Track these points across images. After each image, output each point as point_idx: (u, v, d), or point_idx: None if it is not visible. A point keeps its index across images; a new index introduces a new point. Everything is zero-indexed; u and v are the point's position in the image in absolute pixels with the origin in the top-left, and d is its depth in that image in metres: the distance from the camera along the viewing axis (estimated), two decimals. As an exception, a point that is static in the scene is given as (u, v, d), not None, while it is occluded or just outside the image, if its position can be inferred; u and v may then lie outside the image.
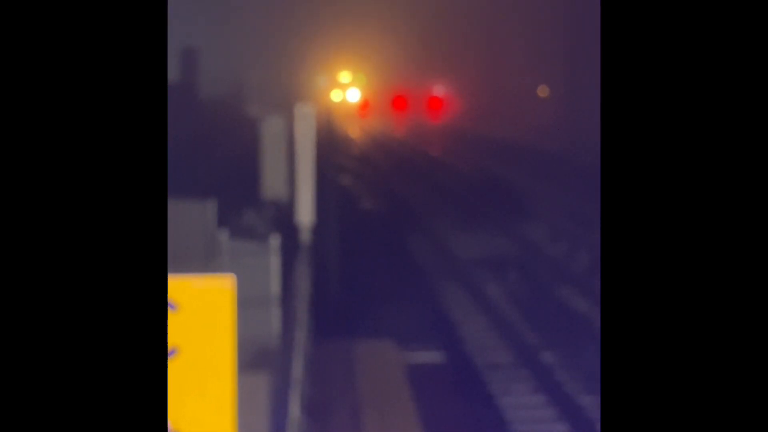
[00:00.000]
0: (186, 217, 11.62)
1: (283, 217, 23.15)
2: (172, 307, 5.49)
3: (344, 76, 75.17)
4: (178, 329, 5.52)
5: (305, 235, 14.13)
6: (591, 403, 13.16)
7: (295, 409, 8.68)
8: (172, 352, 5.51)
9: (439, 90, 76.95)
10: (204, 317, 5.55)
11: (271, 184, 27.21)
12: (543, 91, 62.90)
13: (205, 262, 11.37)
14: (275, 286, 11.83)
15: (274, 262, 11.87)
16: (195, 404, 5.54)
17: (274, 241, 11.97)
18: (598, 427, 11.85)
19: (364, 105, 79.83)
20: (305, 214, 14.24)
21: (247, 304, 9.98)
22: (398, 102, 78.08)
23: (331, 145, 36.77)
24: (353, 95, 73.11)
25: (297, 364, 9.55)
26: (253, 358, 10.04)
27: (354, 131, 67.12)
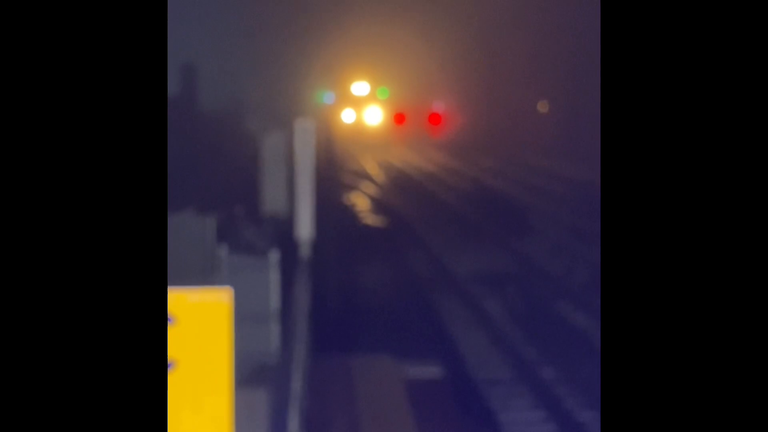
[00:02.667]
0: (185, 231, 11.64)
1: (282, 232, 23.17)
2: (169, 320, 5.50)
3: (360, 88, 68.23)
4: (175, 342, 5.52)
5: (304, 251, 14.13)
6: (591, 419, 13.16)
7: (293, 425, 8.67)
8: (170, 365, 5.51)
9: (438, 106, 76.76)
10: (201, 330, 5.55)
11: (271, 199, 27.24)
12: (543, 106, 62.80)
13: (204, 277, 11.38)
14: (274, 301, 11.83)
15: (274, 278, 11.87)
16: (192, 418, 5.55)
17: (274, 256, 11.98)
18: None
19: (399, 118, 72.35)
20: (305, 229, 14.25)
21: (246, 319, 9.98)
22: (397, 118, 77.85)
23: (330, 160, 36.73)
24: (372, 115, 65.81)
25: (296, 380, 9.54)
26: (252, 373, 10.04)
27: (364, 147, 64.97)
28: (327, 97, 57.25)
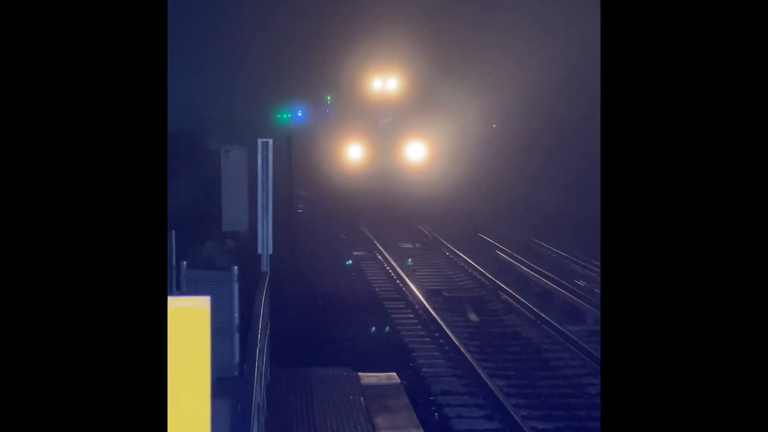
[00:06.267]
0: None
1: (242, 247, 23.35)
2: None
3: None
4: None
5: (264, 265, 14.39)
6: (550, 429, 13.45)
7: (254, 433, 8.89)
8: None
9: None
10: (182, 336, 5.78)
11: (232, 215, 27.41)
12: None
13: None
14: (235, 314, 12.08)
15: (234, 292, 12.11)
16: (174, 416, 5.75)
17: (234, 270, 12.22)
18: None
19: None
20: (264, 244, 14.51)
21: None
22: None
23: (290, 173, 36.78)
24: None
25: (257, 390, 9.77)
26: (214, 385, 10.25)
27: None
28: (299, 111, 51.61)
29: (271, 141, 14.57)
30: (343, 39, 40.18)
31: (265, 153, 14.51)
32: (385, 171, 35.73)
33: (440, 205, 36.74)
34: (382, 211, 35.35)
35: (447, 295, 22.58)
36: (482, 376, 14.95)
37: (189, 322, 5.79)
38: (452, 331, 18.02)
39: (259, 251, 14.42)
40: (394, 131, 35.77)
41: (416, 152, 35.74)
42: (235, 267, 12.28)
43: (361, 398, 12.97)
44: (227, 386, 10.36)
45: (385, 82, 36.18)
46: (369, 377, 14.14)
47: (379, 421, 12.11)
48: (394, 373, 14.39)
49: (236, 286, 12.13)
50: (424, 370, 16.14)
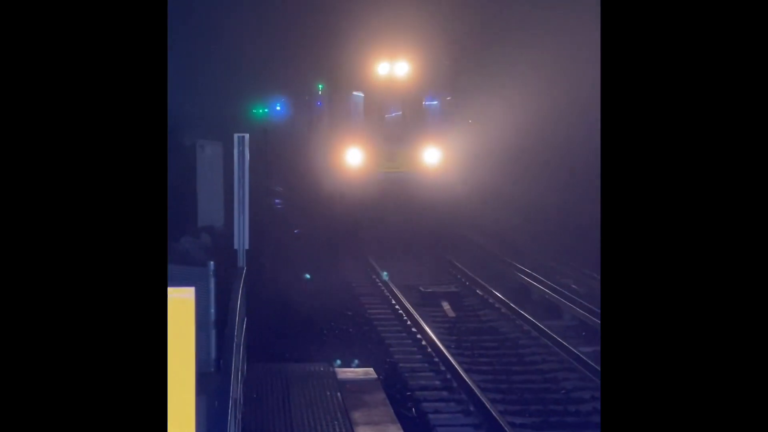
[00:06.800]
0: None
1: (219, 242, 23.27)
2: None
3: None
4: None
5: (241, 260, 14.34)
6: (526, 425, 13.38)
7: (232, 430, 8.87)
8: None
9: None
10: (169, 324, 5.78)
11: (207, 210, 27.34)
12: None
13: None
14: (211, 310, 12.02)
15: (210, 287, 12.05)
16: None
17: (210, 265, 12.16)
18: None
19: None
20: (241, 239, 14.45)
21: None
22: None
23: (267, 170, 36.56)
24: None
25: (233, 386, 9.74)
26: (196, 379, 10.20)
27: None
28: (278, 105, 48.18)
29: (247, 135, 14.52)
30: (338, 9, 32.74)
31: (241, 147, 14.44)
32: (394, 179, 27.80)
33: (466, 221, 29.98)
34: (393, 232, 27.81)
35: None
36: None
37: (173, 314, 5.79)
38: None
39: (236, 246, 14.36)
40: (406, 128, 27.96)
41: (432, 156, 27.80)
42: (212, 262, 12.22)
43: (338, 393, 12.95)
44: (204, 382, 10.32)
45: (392, 66, 27.92)
46: (346, 372, 14.11)
47: (356, 416, 12.09)
48: (371, 369, 14.36)
49: (212, 282, 12.07)
50: None
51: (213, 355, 11.88)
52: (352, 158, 27.73)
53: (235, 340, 10.99)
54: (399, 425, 12.00)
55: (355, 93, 28.25)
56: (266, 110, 51.44)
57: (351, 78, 28.30)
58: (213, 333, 11.96)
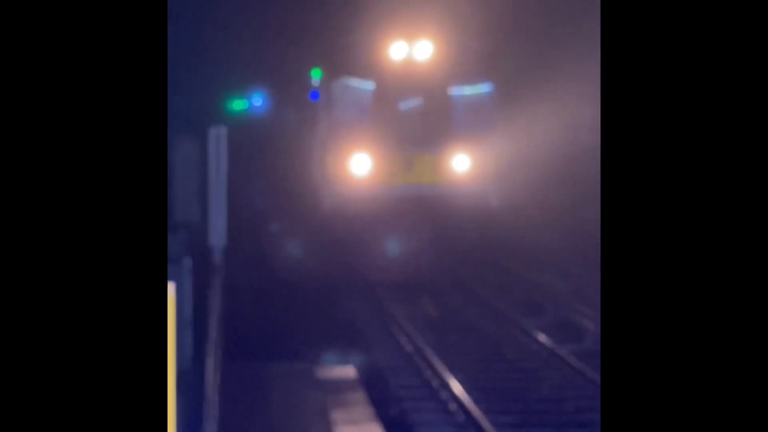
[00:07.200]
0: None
1: (195, 240, 23.13)
2: None
3: None
4: None
5: (218, 257, 14.19)
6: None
7: (209, 429, 8.74)
8: None
9: None
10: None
11: (183, 206, 27.19)
12: None
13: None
14: (187, 307, 11.88)
15: (187, 284, 11.91)
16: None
17: (187, 263, 12.02)
18: None
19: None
20: (217, 236, 14.29)
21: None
22: None
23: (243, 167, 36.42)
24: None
25: (210, 384, 9.61)
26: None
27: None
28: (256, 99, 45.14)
29: (224, 129, 14.35)
30: None
31: (217, 142, 14.28)
32: (413, 195, 21.29)
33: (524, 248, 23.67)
34: (421, 271, 21.74)
35: None
36: None
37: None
38: None
39: (211, 242, 14.21)
40: (428, 128, 21.31)
41: (463, 163, 21.17)
42: (188, 258, 12.07)
43: (318, 393, 12.86)
44: (181, 381, 10.19)
45: (411, 48, 20.94)
46: (326, 371, 14.04)
47: (336, 415, 12.00)
48: (351, 367, 14.28)
49: (189, 279, 11.93)
50: None
51: (190, 353, 11.75)
52: (358, 167, 21.21)
53: (211, 337, 10.84)
54: (379, 424, 11.89)
55: (362, 82, 21.63)
56: (248, 103, 48.39)
57: (357, 62, 21.53)
58: (189, 331, 11.83)
